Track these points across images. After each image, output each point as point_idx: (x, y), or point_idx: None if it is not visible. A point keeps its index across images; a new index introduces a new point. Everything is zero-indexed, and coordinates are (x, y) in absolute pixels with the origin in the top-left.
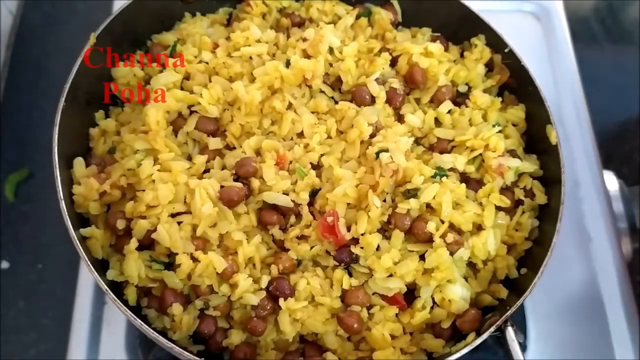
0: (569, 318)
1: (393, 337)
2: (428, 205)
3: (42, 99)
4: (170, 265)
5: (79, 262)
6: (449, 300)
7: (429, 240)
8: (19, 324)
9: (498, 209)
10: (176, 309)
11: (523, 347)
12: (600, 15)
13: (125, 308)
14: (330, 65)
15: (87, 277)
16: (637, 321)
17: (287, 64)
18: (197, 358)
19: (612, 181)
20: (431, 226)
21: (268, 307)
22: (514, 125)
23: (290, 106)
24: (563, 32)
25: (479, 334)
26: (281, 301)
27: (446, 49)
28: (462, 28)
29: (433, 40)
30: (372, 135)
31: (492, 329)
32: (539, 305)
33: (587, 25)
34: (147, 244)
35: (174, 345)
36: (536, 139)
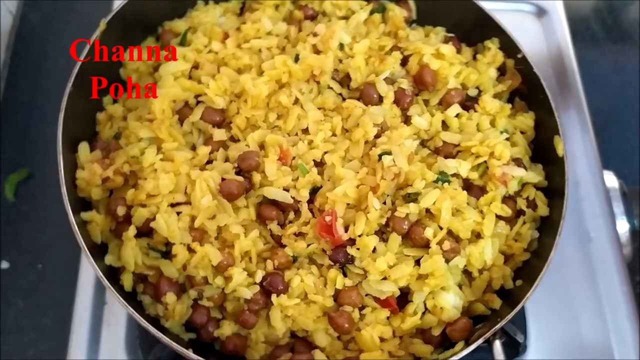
0: (569, 318)
1: (382, 339)
2: (428, 211)
3: (42, 99)
4: (168, 253)
5: (79, 262)
6: (440, 308)
7: (426, 245)
8: (19, 324)
9: (499, 218)
10: (170, 297)
11: (523, 347)
12: (600, 15)
13: (118, 295)
14: (340, 61)
15: (87, 277)
16: (637, 321)
17: (296, 58)
18: (196, 358)
19: (612, 181)
20: (429, 232)
21: (261, 302)
22: (522, 132)
23: (297, 101)
24: (563, 32)
25: (468, 344)
26: (273, 297)
27: (459, 51)
28: (476, 29)
29: (446, 41)
30: (377, 136)
31: (480, 340)
32: (539, 305)
33: (587, 25)
34: (146, 231)
35: (163, 336)
36: (543, 147)
